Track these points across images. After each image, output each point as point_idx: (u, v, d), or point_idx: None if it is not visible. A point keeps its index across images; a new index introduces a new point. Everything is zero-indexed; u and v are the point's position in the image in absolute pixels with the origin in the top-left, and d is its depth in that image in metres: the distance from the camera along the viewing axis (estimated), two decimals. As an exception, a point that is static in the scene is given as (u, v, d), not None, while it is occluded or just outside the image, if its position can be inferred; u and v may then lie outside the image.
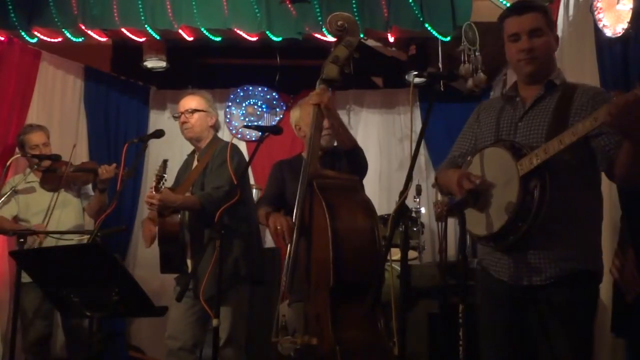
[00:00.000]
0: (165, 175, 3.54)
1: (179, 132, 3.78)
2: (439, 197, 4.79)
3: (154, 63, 5.37)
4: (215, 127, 3.79)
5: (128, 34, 4.97)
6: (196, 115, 3.67)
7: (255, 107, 5.96)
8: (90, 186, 4.52)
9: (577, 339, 2.25)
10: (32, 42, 5.05)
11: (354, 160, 3.07)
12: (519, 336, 2.34)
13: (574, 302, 2.25)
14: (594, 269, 2.33)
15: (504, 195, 2.24)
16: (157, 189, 3.43)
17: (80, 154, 4.95)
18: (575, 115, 2.26)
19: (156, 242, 3.55)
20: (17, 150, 4.81)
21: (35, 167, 4.30)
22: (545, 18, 2.39)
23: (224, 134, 5.78)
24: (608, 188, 2.98)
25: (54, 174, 4.30)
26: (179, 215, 3.53)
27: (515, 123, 2.40)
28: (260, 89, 5.99)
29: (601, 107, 2.05)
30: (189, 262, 3.54)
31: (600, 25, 3.32)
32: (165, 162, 3.58)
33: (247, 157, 4.16)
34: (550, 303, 2.26)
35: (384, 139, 5.87)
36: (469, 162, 2.45)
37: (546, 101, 2.36)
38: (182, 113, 3.69)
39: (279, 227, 2.90)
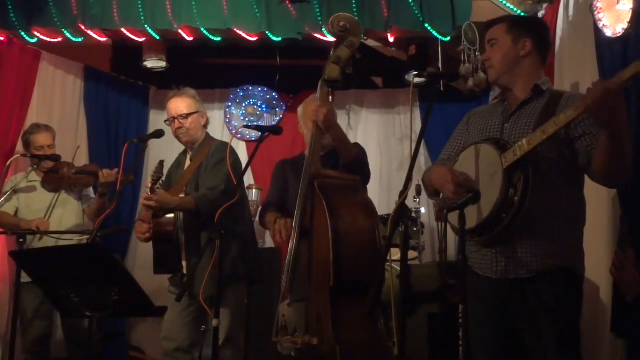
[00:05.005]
0: (163, 177, 3.53)
1: (179, 132, 3.77)
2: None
3: (153, 63, 5.37)
4: (206, 125, 3.75)
5: (128, 34, 4.97)
6: (190, 118, 3.63)
7: (255, 107, 5.95)
8: (91, 189, 4.53)
9: (564, 335, 2.29)
10: (32, 42, 5.05)
11: (352, 172, 3.05)
12: (506, 334, 2.37)
13: (561, 299, 2.29)
14: (576, 269, 2.36)
15: (489, 188, 2.28)
16: (152, 190, 3.41)
17: (80, 154, 4.94)
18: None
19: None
20: (17, 149, 4.82)
21: (36, 167, 4.31)
22: (506, 28, 2.48)
23: (224, 134, 5.78)
24: (609, 188, 2.98)
25: (56, 175, 4.31)
26: (173, 216, 3.51)
27: (502, 124, 2.46)
28: (260, 89, 5.98)
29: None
30: (184, 263, 3.53)
31: (600, 25, 3.32)
32: (161, 163, 3.55)
33: (247, 157, 4.16)
34: (536, 299, 2.29)
35: (384, 139, 5.86)
36: (455, 160, 2.51)
37: (532, 104, 2.43)
38: (175, 118, 3.64)
39: (282, 230, 2.99)
